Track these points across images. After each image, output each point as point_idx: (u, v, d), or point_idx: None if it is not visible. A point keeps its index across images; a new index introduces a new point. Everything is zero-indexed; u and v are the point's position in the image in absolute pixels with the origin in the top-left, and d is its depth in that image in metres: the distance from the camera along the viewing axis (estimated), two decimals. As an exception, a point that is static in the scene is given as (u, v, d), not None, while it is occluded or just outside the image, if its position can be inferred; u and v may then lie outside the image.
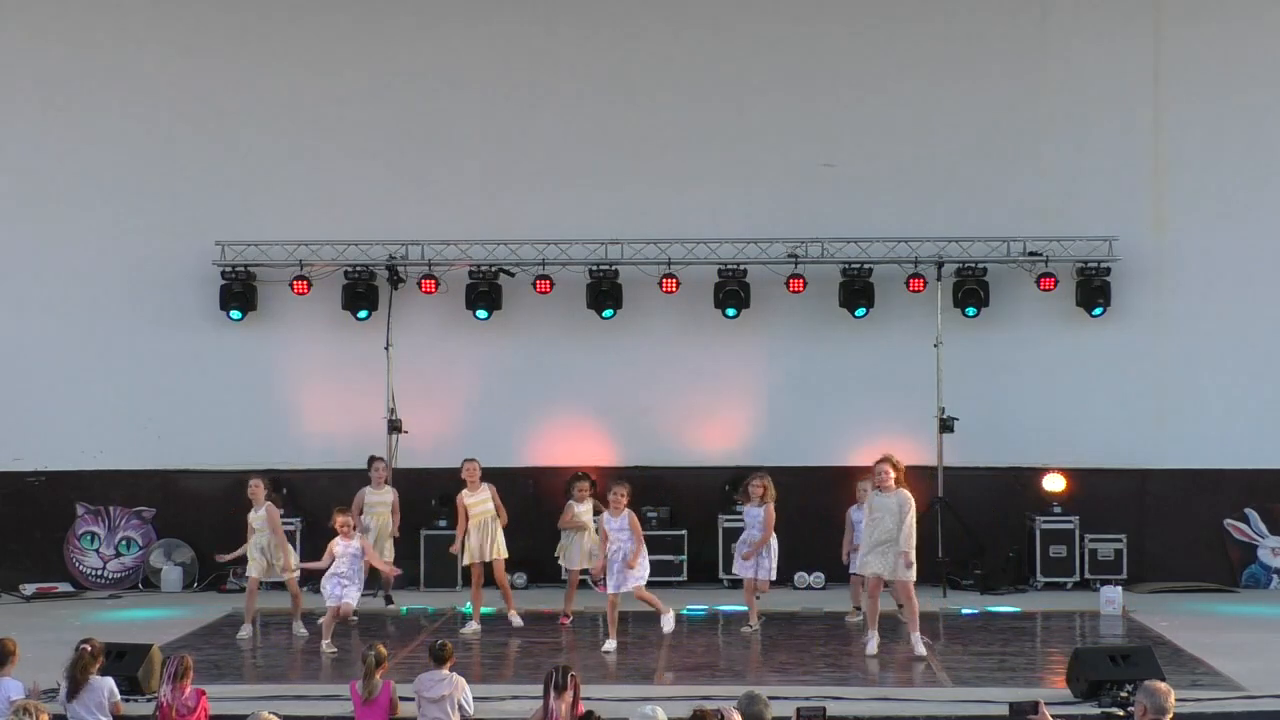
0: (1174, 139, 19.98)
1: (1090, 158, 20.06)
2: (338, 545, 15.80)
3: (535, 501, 19.28)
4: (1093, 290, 19.56)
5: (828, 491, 18.52)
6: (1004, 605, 18.11)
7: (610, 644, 15.42)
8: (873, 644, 15.03)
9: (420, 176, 20.23)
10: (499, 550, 16.66)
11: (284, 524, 17.18)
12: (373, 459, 18.03)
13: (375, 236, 19.73)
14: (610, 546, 15.67)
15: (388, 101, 20.32)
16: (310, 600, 16.83)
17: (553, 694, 11.01)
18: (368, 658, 12.06)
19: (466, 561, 16.72)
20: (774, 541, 16.47)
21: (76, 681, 11.68)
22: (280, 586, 17.38)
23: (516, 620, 16.65)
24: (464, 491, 16.69)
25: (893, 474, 14.87)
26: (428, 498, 19.19)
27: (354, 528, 16.06)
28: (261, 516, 16.64)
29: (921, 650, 14.85)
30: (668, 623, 15.67)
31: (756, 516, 16.45)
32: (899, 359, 19.73)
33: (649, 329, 20.07)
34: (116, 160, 20.22)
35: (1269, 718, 12.61)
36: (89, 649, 11.80)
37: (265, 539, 16.60)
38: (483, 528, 16.62)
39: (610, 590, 15.62)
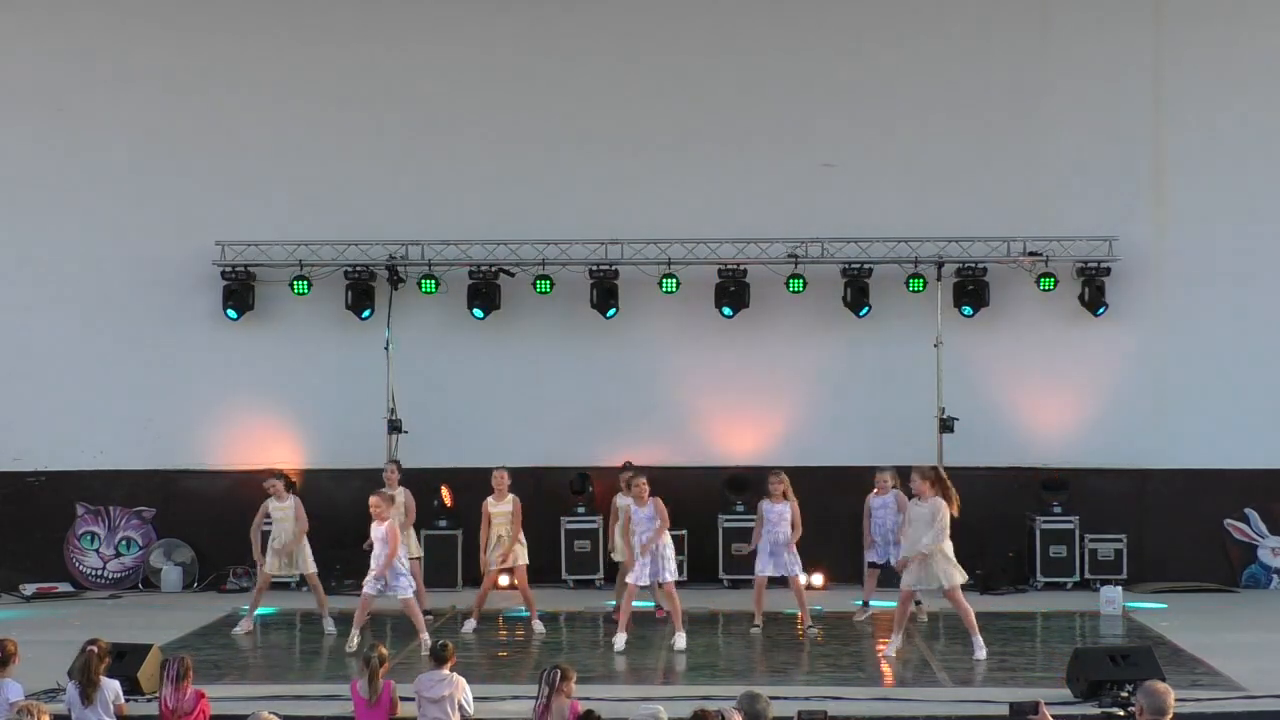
0: (1174, 139, 19.98)
1: (1090, 158, 20.06)
2: (372, 528, 15.61)
3: (535, 502, 19.27)
4: (1093, 290, 19.57)
5: (827, 491, 18.52)
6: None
7: (620, 639, 15.50)
8: (892, 647, 15.08)
9: (420, 176, 20.23)
10: (519, 558, 16.61)
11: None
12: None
13: (375, 236, 19.73)
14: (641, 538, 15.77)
15: (388, 101, 20.31)
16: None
17: (548, 693, 11.02)
18: (370, 658, 12.06)
19: (483, 569, 16.68)
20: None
21: (90, 684, 11.63)
22: (284, 587, 17.40)
23: (539, 627, 16.60)
24: (490, 499, 16.63)
25: (925, 483, 14.98)
26: (428, 497, 19.16)
27: (388, 510, 15.63)
28: (289, 508, 16.62)
29: (980, 654, 14.92)
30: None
31: (782, 513, 16.46)
32: (899, 359, 19.73)
33: (649, 329, 20.08)
34: (116, 160, 20.22)
35: (1269, 718, 12.62)
36: (96, 650, 11.75)
37: (289, 535, 16.58)
38: (499, 540, 16.58)
39: (635, 581, 15.73)
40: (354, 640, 15.39)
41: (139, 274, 20.18)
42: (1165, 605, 18.08)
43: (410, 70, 20.33)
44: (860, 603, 17.24)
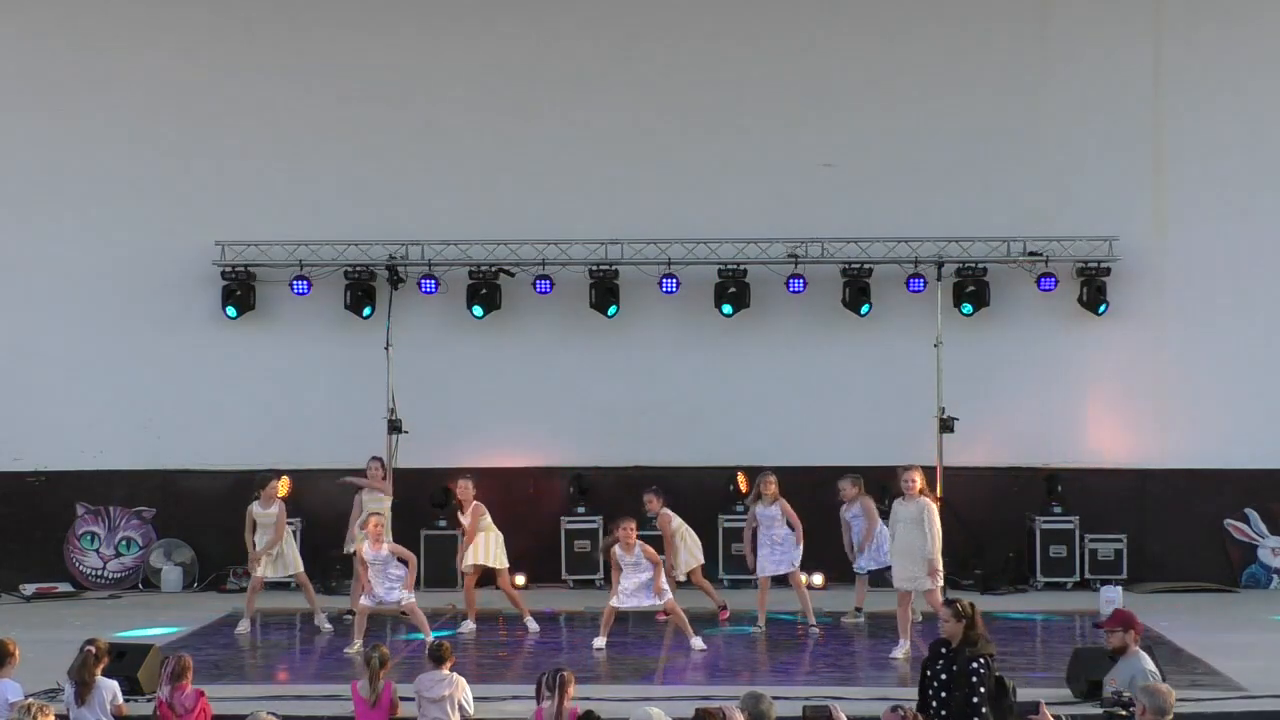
0: (1174, 139, 19.98)
1: (1090, 158, 20.07)
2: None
3: (535, 501, 19.31)
4: (1093, 290, 19.58)
5: (828, 491, 18.48)
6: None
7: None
8: (899, 650, 15.09)
9: (420, 176, 20.22)
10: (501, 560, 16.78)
11: (286, 523, 17.14)
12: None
13: (375, 236, 19.73)
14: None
15: (388, 101, 20.30)
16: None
17: (546, 695, 11.02)
18: (371, 659, 12.07)
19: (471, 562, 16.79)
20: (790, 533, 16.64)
21: (84, 684, 11.64)
22: (283, 586, 17.39)
23: (533, 625, 16.65)
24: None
25: (919, 482, 15.04)
26: (427, 497, 19.18)
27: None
28: (273, 514, 16.68)
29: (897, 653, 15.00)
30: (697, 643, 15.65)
31: (774, 516, 16.49)
32: (899, 359, 19.73)
33: (649, 329, 20.08)
34: (116, 160, 20.20)
35: (1269, 718, 12.63)
36: (94, 650, 11.76)
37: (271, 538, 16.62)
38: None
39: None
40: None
41: (139, 274, 20.17)
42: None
43: (410, 70, 20.32)
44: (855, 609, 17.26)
